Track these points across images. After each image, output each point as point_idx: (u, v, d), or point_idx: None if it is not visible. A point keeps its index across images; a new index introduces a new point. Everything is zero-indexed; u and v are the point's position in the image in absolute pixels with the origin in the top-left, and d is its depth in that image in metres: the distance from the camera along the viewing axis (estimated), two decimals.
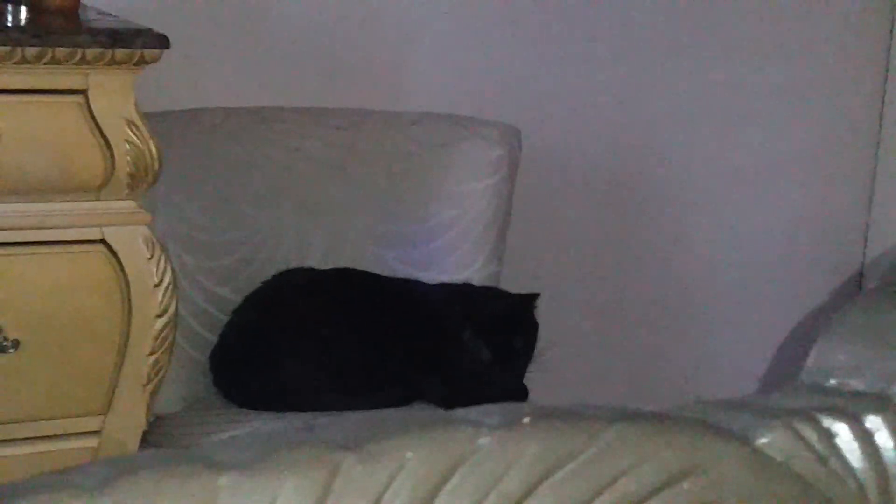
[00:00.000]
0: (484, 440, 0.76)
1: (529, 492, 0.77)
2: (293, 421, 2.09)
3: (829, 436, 0.83)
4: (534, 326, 2.27)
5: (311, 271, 2.34)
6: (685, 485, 0.79)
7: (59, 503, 0.68)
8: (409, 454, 0.75)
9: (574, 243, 2.91)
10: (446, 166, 2.42)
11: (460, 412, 0.79)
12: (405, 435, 0.76)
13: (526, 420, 0.78)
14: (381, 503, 0.74)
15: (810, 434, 0.83)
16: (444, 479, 0.75)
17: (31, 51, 1.86)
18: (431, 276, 2.38)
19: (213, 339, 2.29)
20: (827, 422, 0.83)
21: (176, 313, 2.00)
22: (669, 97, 2.93)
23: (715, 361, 3.01)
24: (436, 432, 0.76)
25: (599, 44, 2.84)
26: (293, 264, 2.36)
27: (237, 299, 2.30)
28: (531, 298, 2.28)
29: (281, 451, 0.75)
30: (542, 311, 2.29)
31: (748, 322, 3.04)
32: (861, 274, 3.06)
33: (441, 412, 0.79)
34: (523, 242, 2.69)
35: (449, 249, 2.43)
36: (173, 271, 2.00)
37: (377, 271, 2.34)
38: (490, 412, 0.79)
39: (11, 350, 1.92)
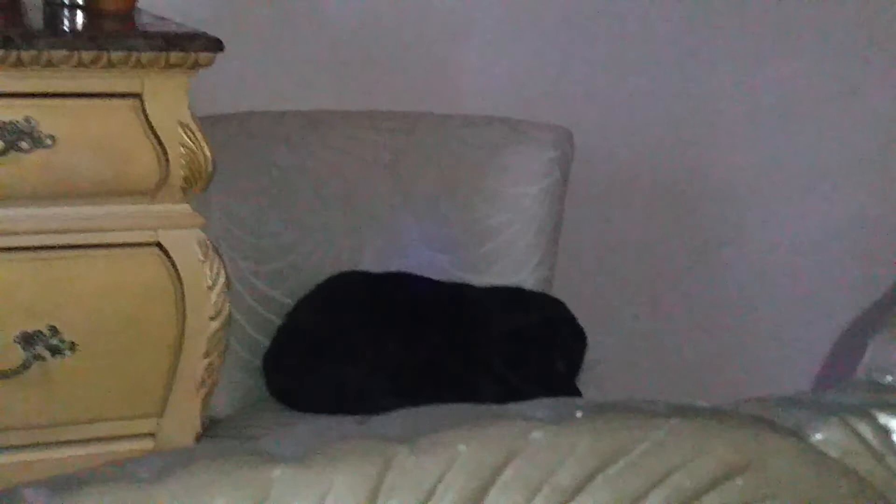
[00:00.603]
0: (537, 434, 0.76)
1: (583, 485, 0.76)
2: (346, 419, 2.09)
3: (885, 432, 0.82)
4: (583, 338, 2.27)
5: (365, 274, 2.35)
6: (739, 481, 0.79)
7: (118, 494, 0.69)
8: (461, 447, 0.75)
9: (626, 246, 2.90)
10: (498, 169, 2.42)
11: (513, 406, 0.79)
12: (458, 428, 0.76)
13: (579, 414, 0.78)
14: (433, 496, 0.74)
15: (866, 430, 0.82)
16: (497, 473, 0.75)
17: (86, 55, 1.87)
18: (483, 280, 2.38)
19: (266, 341, 2.30)
20: (883, 418, 0.82)
21: (230, 316, 2.01)
22: (723, 98, 2.91)
23: (769, 361, 3.00)
24: (488, 426, 0.76)
25: (653, 44, 2.83)
26: (345, 267, 2.36)
27: (289, 302, 2.31)
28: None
29: (334, 445, 0.75)
30: (595, 315, 2.29)
31: (801, 321, 3.02)
32: None
33: (494, 407, 0.79)
34: (575, 245, 2.69)
35: (501, 253, 2.43)
36: (227, 274, 2.01)
37: (429, 275, 2.34)
38: (543, 406, 0.79)
39: (67, 352, 1.93)
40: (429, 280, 2.33)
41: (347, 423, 0.79)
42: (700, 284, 2.97)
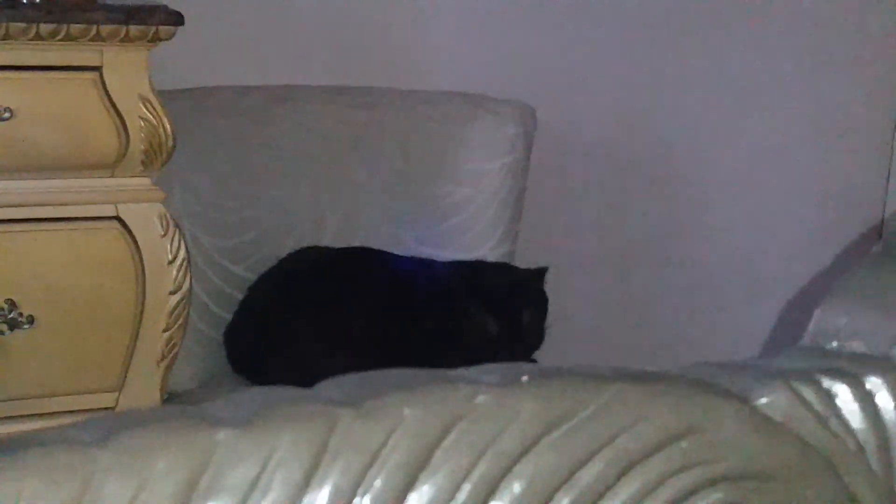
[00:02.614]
0: (482, 398, 0.76)
1: (527, 449, 0.77)
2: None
3: (829, 396, 0.83)
4: (543, 301, 2.26)
5: (325, 250, 2.34)
6: (683, 443, 0.79)
7: (59, 457, 0.69)
8: (406, 411, 0.75)
9: (588, 222, 2.90)
10: (461, 145, 2.42)
11: (459, 371, 0.80)
12: (403, 392, 0.76)
13: (524, 378, 0.78)
14: (378, 459, 0.74)
15: (810, 395, 0.82)
16: (442, 436, 0.76)
17: (45, 27, 1.86)
18: (446, 255, 2.38)
19: (228, 317, 2.30)
20: (827, 383, 0.83)
21: (190, 290, 2.01)
22: (686, 75, 2.92)
23: (723, 329, 3.02)
24: (434, 390, 0.77)
25: (616, 22, 2.83)
26: (308, 243, 2.36)
27: (251, 277, 2.31)
28: (540, 273, 2.27)
29: (279, 408, 0.75)
30: (555, 290, 2.29)
31: (753, 291, 3.04)
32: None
33: (440, 371, 0.80)
34: (537, 221, 2.69)
35: (463, 228, 2.43)
36: (187, 248, 2.01)
37: (391, 250, 2.34)
38: (489, 371, 0.79)
39: (26, 326, 1.93)
40: (389, 254, 2.33)
41: (292, 388, 0.79)
42: (659, 257, 2.98)
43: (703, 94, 2.95)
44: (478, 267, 2.33)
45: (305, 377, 2.28)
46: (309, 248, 2.34)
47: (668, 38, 2.90)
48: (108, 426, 0.71)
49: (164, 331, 2.00)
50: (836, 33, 3.03)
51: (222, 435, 0.72)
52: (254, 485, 0.72)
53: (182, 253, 1.99)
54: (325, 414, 0.74)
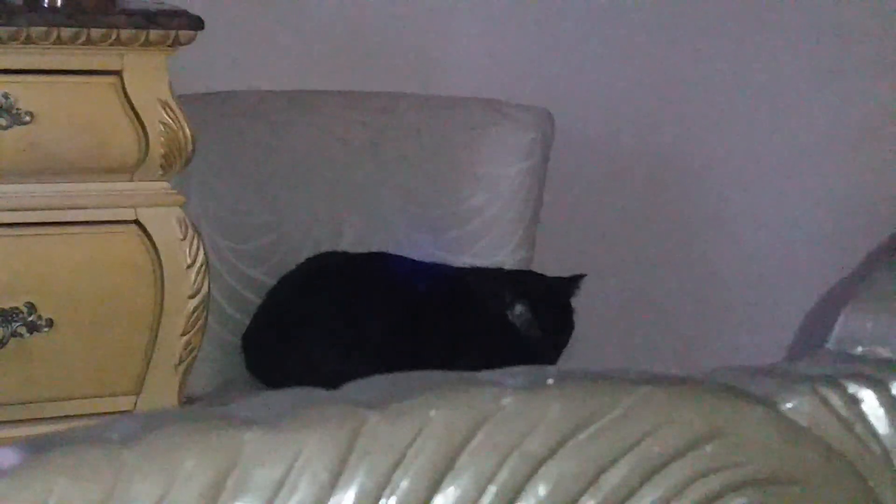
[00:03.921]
0: (507, 400, 0.77)
1: (552, 452, 0.77)
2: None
3: (854, 402, 0.83)
4: (570, 310, 2.26)
5: (345, 255, 2.34)
6: (709, 448, 0.79)
7: (88, 455, 0.69)
8: (432, 413, 0.75)
9: (606, 227, 2.90)
10: (479, 150, 2.43)
11: (484, 373, 0.80)
12: (429, 394, 0.76)
13: (550, 381, 0.78)
14: (404, 460, 0.74)
15: (836, 400, 0.82)
16: (468, 438, 0.76)
17: (66, 31, 1.87)
18: (463, 260, 2.38)
19: (246, 320, 2.30)
20: (853, 388, 0.83)
21: (208, 294, 2.01)
22: (704, 80, 2.92)
23: (745, 336, 3.01)
24: (460, 392, 0.77)
25: (634, 27, 2.83)
26: (325, 247, 2.36)
27: (269, 282, 2.31)
28: (576, 280, 2.27)
29: (306, 409, 0.75)
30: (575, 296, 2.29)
31: (776, 296, 3.03)
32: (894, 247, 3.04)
33: (466, 373, 0.80)
34: (555, 227, 2.69)
35: (481, 233, 2.43)
36: (206, 252, 2.01)
37: (409, 255, 2.34)
38: (514, 374, 0.79)
39: (45, 329, 1.93)
40: (409, 260, 2.33)
41: (319, 390, 0.79)
42: (679, 263, 2.98)
43: (723, 99, 2.94)
44: (506, 274, 2.32)
45: (324, 381, 2.28)
46: (328, 254, 2.34)
47: (686, 43, 2.89)
48: (136, 426, 0.72)
49: (183, 334, 2.00)
50: (857, 35, 3.02)
51: (250, 435, 0.72)
52: (281, 485, 0.72)
53: (201, 257, 2.00)
54: (352, 415, 0.75)
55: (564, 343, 2.25)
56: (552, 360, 2.25)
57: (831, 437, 0.82)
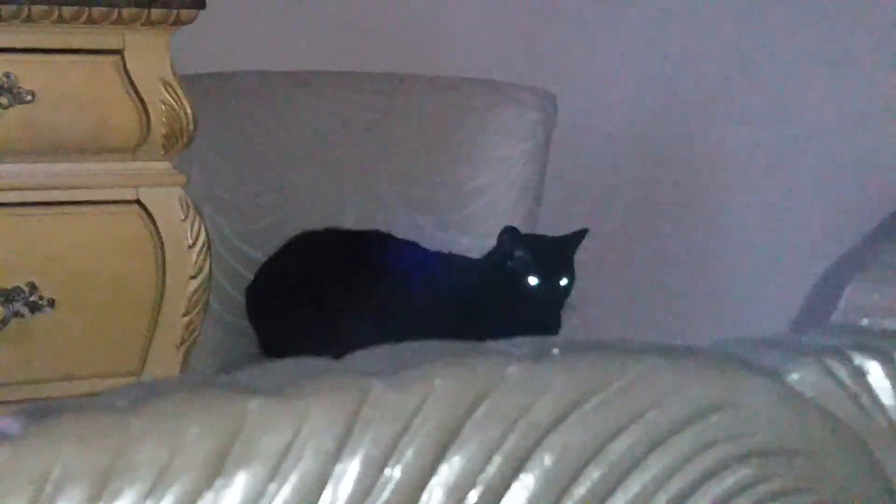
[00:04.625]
0: (513, 369, 0.76)
1: (558, 421, 0.77)
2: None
3: (860, 373, 0.82)
4: (571, 260, 2.25)
5: (332, 233, 2.33)
6: (714, 418, 0.79)
7: (93, 421, 0.69)
8: (437, 381, 0.75)
9: (608, 209, 2.90)
10: (481, 131, 2.42)
11: (490, 343, 0.80)
12: (434, 363, 0.76)
13: (555, 351, 0.78)
14: (409, 429, 0.74)
15: (841, 371, 0.82)
16: (473, 407, 0.75)
17: (67, 10, 1.87)
18: (466, 241, 2.38)
19: None
20: (858, 359, 0.83)
21: (210, 274, 2.01)
22: (709, 62, 2.92)
23: (750, 311, 3.00)
24: (465, 361, 0.76)
25: (637, 10, 2.83)
26: (327, 227, 2.36)
27: None
28: (579, 235, 2.26)
29: (311, 378, 0.75)
30: (576, 276, 2.28)
31: (780, 269, 3.03)
32: None
33: (471, 342, 0.79)
34: (557, 208, 2.69)
35: (483, 214, 2.43)
36: (207, 233, 2.01)
37: (411, 236, 2.34)
38: (519, 343, 0.79)
39: (47, 309, 1.93)
40: (404, 241, 2.31)
41: (323, 359, 0.79)
42: (682, 242, 2.98)
43: (725, 80, 2.94)
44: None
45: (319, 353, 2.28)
46: (314, 232, 2.33)
47: (689, 25, 2.89)
48: (141, 393, 0.71)
49: (184, 315, 2.00)
50: (861, 24, 3.01)
51: (254, 403, 0.72)
52: (285, 453, 0.72)
53: (202, 237, 1.99)
54: (357, 384, 0.74)
55: (566, 293, 2.23)
56: (554, 314, 2.22)
57: (837, 409, 0.82)
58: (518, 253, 2.20)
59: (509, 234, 2.21)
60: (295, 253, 2.30)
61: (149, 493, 0.69)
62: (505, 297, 2.19)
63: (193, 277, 2.00)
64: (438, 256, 2.30)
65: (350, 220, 2.39)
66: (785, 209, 3.04)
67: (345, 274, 2.24)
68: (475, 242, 2.38)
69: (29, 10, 1.85)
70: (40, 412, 0.70)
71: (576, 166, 2.81)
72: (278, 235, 2.34)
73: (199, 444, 0.70)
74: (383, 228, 2.37)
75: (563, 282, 2.21)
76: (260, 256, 2.32)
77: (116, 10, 1.88)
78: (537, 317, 2.19)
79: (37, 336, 1.93)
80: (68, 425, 0.69)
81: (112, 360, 1.99)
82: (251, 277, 2.32)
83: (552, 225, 2.57)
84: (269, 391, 0.73)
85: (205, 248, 2.00)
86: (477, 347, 0.78)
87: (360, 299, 2.22)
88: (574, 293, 2.24)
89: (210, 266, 2.01)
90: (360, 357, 0.78)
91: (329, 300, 2.22)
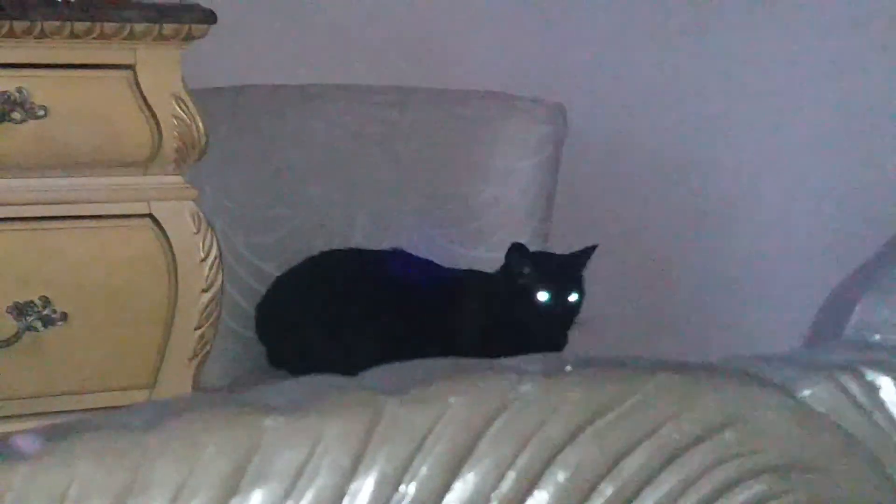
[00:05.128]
0: (526, 387, 0.77)
1: (571, 438, 0.77)
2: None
3: (873, 389, 0.83)
4: (580, 278, 2.25)
5: (347, 252, 2.34)
6: (727, 434, 0.79)
7: (110, 440, 0.70)
8: (452, 399, 0.75)
9: (618, 220, 2.90)
10: (492, 144, 2.43)
11: (503, 360, 0.80)
12: (448, 381, 0.76)
13: (568, 368, 0.78)
14: (424, 447, 0.74)
15: (854, 387, 0.82)
16: (487, 425, 0.76)
17: (79, 25, 1.87)
18: (476, 254, 2.38)
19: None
20: (871, 375, 0.83)
21: (222, 288, 2.01)
22: (717, 72, 2.92)
23: (761, 325, 3.00)
24: (479, 379, 0.77)
25: (646, 19, 2.83)
26: (338, 241, 2.37)
27: None
28: (587, 252, 2.26)
29: (326, 396, 0.75)
30: (586, 289, 2.29)
31: (791, 285, 3.02)
32: None
33: (485, 360, 0.80)
34: (567, 221, 2.69)
35: (493, 227, 2.43)
36: (219, 246, 2.01)
37: (422, 248, 2.35)
38: (533, 361, 0.79)
39: (60, 323, 1.94)
40: (424, 260, 2.32)
41: (338, 377, 0.80)
42: (692, 255, 2.98)
43: (733, 91, 2.94)
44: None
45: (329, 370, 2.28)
46: (337, 252, 2.34)
47: (695, 34, 2.89)
48: (157, 411, 0.72)
49: (196, 328, 2.00)
50: (867, 28, 3.01)
51: (270, 421, 0.72)
52: (301, 471, 0.72)
53: (214, 251, 2.00)
54: (372, 401, 0.75)
55: (576, 309, 2.23)
56: (563, 330, 2.23)
57: (849, 425, 0.82)
58: (526, 269, 2.20)
59: (517, 251, 2.22)
60: (308, 272, 2.31)
61: None
62: (515, 313, 2.19)
63: (205, 291, 2.00)
64: (454, 274, 2.30)
65: (361, 233, 2.40)
66: (799, 221, 3.04)
67: (358, 293, 2.25)
68: (486, 255, 2.38)
69: (42, 25, 1.85)
70: (58, 431, 0.70)
71: (586, 178, 2.82)
72: (290, 248, 2.35)
73: (216, 462, 0.70)
74: (393, 241, 2.37)
75: (573, 297, 2.21)
76: (272, 269, 2.33)
77: (128, 25, 1.89)
78: (547, 332, 2.20)
79: (50, 350, 1.94)
80: (86, 444, 0.69)
81: (124, 373, 2.00)
82: (262, 290, 2.32)
83: (563, 237, 2.58)
84: (284, 409, 0.74)
85: (217, 262, 2.00)
86: (490, 365, 0.79)
87: (372, 318, 2.23)
88: (583, 308, 2.24)
89: (222, 279, 2.01)
90: (374, 375, 0.79)
91: (341, 318, 2.23)
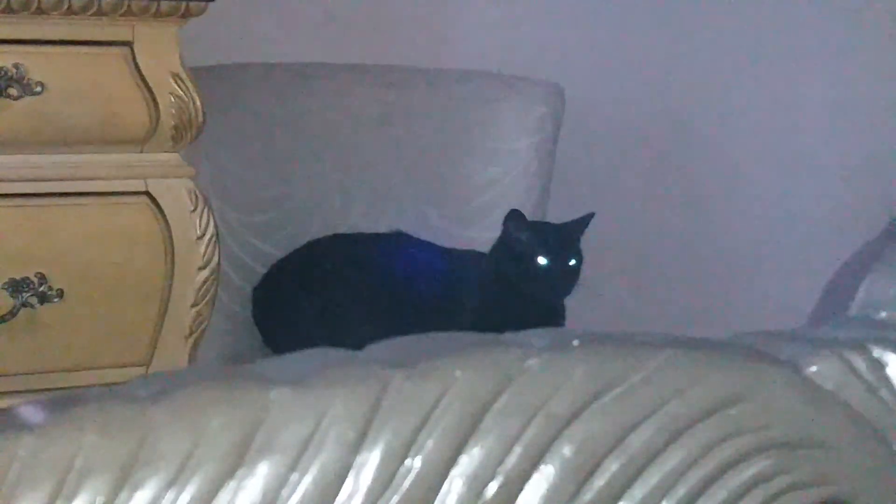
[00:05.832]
0: (532, 361, 0.76)
1: (577, 413, 0.77)
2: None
3: (879, 366, 0.82)
4: (578, 243, 2.26)
5: (345, 236, 2.34)
6: (733, 410, 0.79)
7: (114, 411, 0.69)
8: (458, 373, 0.75)
9: (616, 202, 2.90)
10: (489, 124, 2.43)
11: (509, 335, 0.80)
12: (454, 354, 0.76)
13: (575, 343, 0.78)
14: (429, 420, 0.74)
15: (860, 364, 0.82)
16: (493, 399, 0.76)
17: (77, 2, 1.87)
18: (473, 234, 2.38)
19: None
20: (877, 352, 0.83)
21: (218, 266, 2.01)
22: (715, 54, 2.91)
23: (765, 305, 3.00)
24: (485, 352, 0.77)
25: (645, 0, 2.82)
26: (335, 220, 2.36)
27: (278, 254, 2.32)
28: (585, 219, 2.26)
29: (332, 369, 0.75)
30: (583, 270, 2.28)
31: (794, 263, 3.02)
32: None
33: (490, 334, 0.80)
34: (565, 201, 2.69)
35: (491, 207, 2.43)
36: (216, 224, 2.01)
37: (419, 228, 2.34)
38: (539, 335, 0.79)
39: (56, 300, 1.93)
40: (418, 243, 2.31)
41: (343, 350, 0.79)
42: (692, 234, 2.98)
43: (733, 72, 2.94)
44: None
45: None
46: (326, 238, 2.34)
47: (697, 17, 2.89)
48: (163, 383, 0.72)
49: (193, 306, 2.00)
50: (875, 6, 3.01)
51: (276, 394, 0.72)
52: (307, 443, 0.72)
53: (211, 229, 1.99)
54: (378, 374, 0.74)
55: (575, 273, 2.23)
56: (564, 293, 2.22)
57: (856, 401, 0.82)
58: (524, 236, 2.21)
59: (514, 218, 2.22)
60: (307, 256, 2.30)
61: (171, 483, 0.69)
62: (516, 279, 2.19)
63: (202, 269, 2.00)
64: (456, 254, 2.30)
65: (357, 212, 2.39)
66: (799, 199, 3.04)
67: (359, 276, 2.25)
68: (483, 235, 2.38)
69: (39, 1, 1.84)
70: (63, 402, 0.70)
71: (584, 159, 2.81)
72: (287, 227, 2.34)
73: (222, 434, 0.70)
74: (391, 221, 2.37)
75: (572, 262, 2.22)
76: (268, 248, 2.32)
77: (126, 1, 1.88)
78: (549, 296, 2.20)
79: (46, 326, 1.93)
80: (91, 415, 0.69)
81: (120, 350, 1.99)
82: (259, 269, 2.32)
83: (560, 218, 2.57)
84: (290, 382, 0.73)
85: (213, 240, 2.00)
86: (497, 339, 0.79)
87: (374, 301, 2.23)
88: (583, 284, 2.24)
89: (219, 257, 2.01)
90: (380, 348, 0.79)
91: (342, 303, 2.23)
